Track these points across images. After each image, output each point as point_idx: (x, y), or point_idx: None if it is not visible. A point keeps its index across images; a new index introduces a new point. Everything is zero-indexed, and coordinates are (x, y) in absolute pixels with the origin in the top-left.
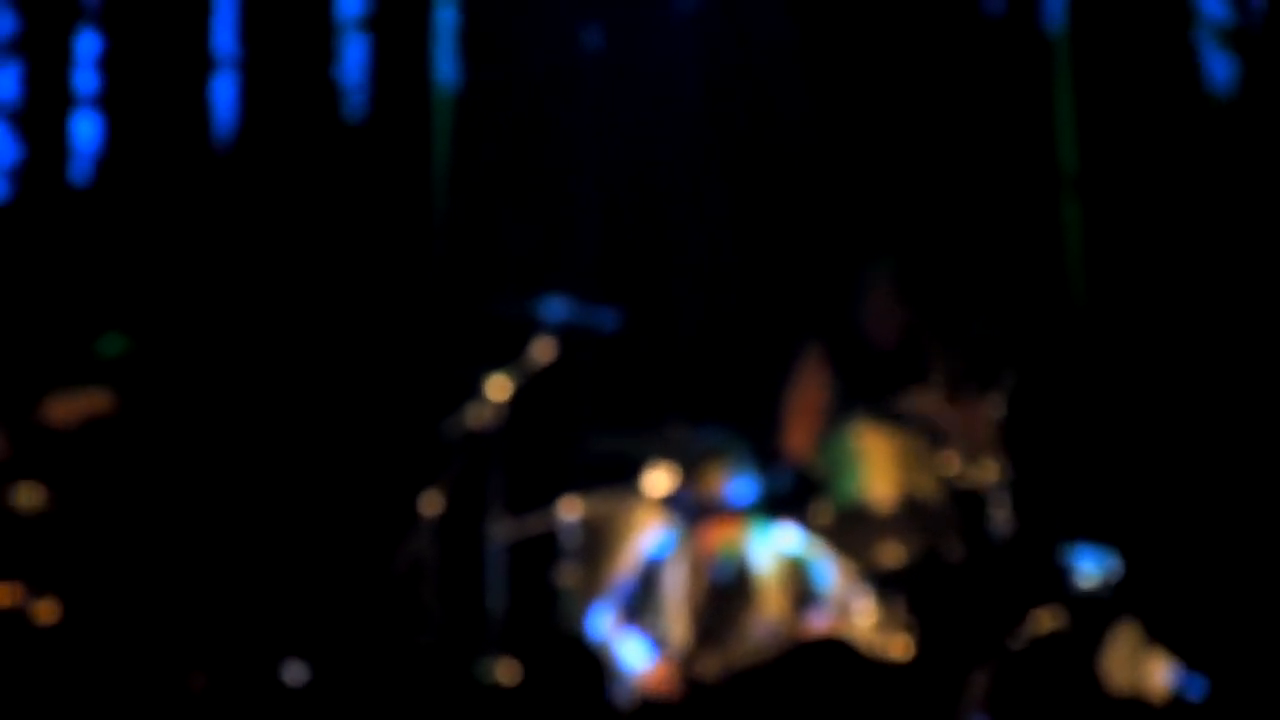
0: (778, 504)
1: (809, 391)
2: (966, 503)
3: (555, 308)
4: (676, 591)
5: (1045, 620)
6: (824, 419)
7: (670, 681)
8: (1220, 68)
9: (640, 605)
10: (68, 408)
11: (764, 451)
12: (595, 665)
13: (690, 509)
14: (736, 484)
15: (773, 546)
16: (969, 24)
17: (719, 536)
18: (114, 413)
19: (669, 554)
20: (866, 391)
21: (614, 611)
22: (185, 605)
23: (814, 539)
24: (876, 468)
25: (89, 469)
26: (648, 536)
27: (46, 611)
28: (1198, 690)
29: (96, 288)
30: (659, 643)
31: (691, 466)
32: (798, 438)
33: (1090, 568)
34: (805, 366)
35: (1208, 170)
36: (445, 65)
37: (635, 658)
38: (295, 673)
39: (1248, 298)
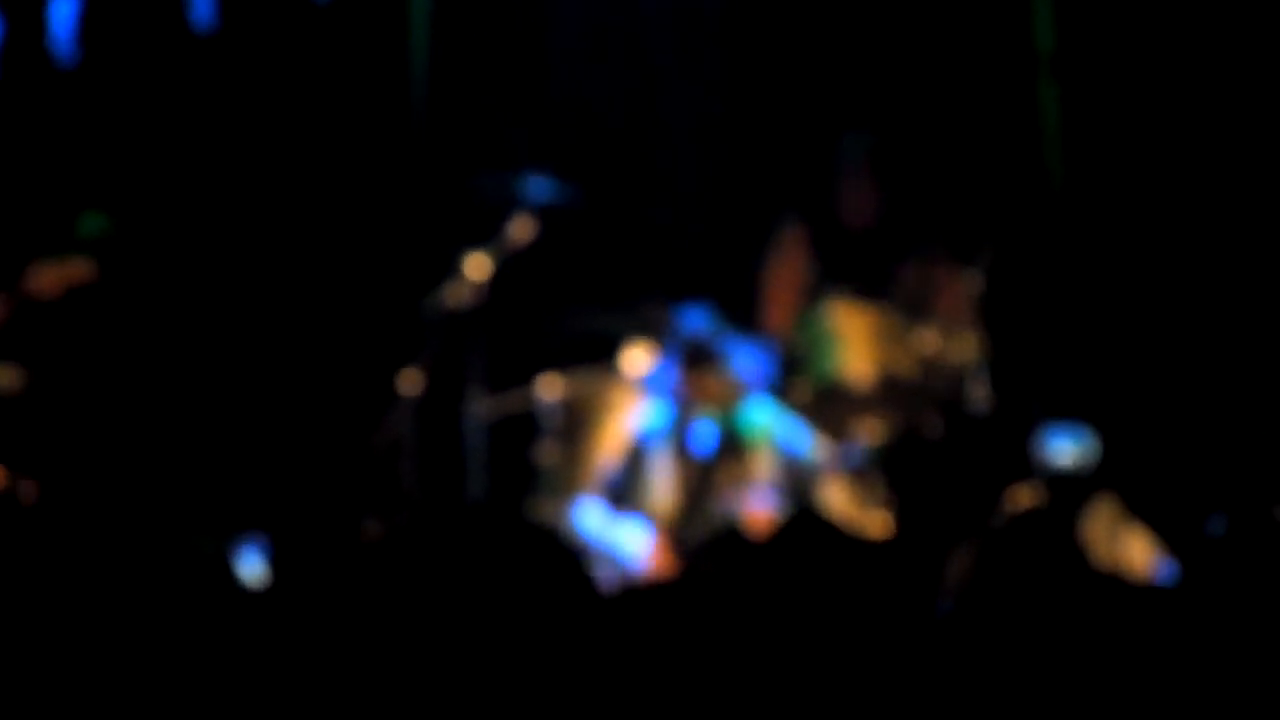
0: (759, 380)
1: (786, 270)
2: (944, 380)
3: (535, 186)
4: (662, 466)
5: (1024, 498)
6: (801, 297)
7: (664, 561)
8: None
9: (629, 489)
10: (49, 277)
11: (742, 326)
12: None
13: (672, 385)
14: (719, 358)
15: (757, 420)
16: None
17: (703, 410)
18: (94, 281)
19: (652, 431)
20: (844, 269)
21: (604, 500)
22: (163, 481)
23: (795, 416)
24: (854, 345)
25: (70, 340)
26: (630, 415)
27: (27, 492)
28: (1176, 567)
29: (77, 167)
30: (649, 520)
31: (674, 342)
32: (776, 316)
33: (1069, 445)
34: (782, 245)
35: (1185, 47)
36: None
37: (628, 541)
38: (263, 556)
39: (1226, 170)
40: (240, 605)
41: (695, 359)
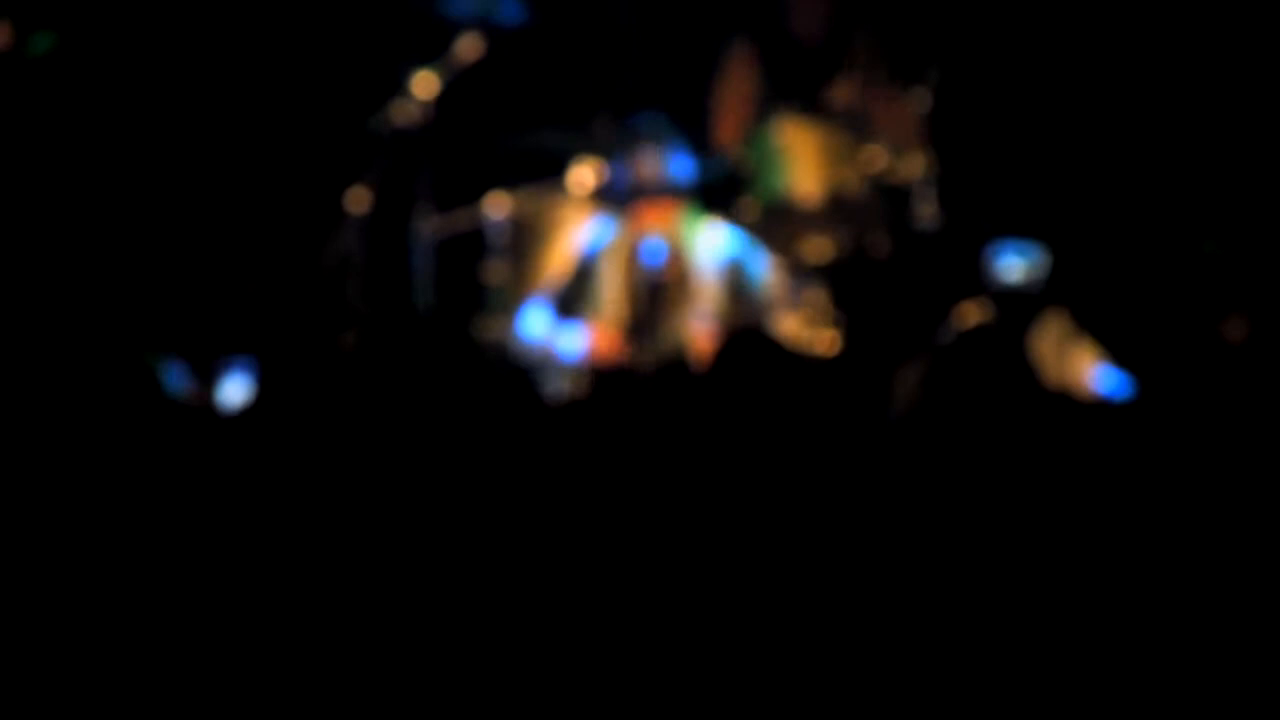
0: (709, 195)
1: (736, 86)
2: (892, 197)
3: (483, 3)
4: (611, 282)
5: (972, 314)
6: (751, 113)
7: (617, 347)
8: None
9: (576, 300)
10: None
11: (693, 144)
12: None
13: (624, 193)
14: (669, 167)
15: (705, 239)
16: None
17: (652, 222)
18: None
19: (603, 245)
20: (792, 86)
21: (550, 308)
22: (113, 296)
23: (744, 233)
24: (802, 163)
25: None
26: (580, 232)
27: None
28: (1123, 383)
29: None
30: (596, 326)
31: (624, 152)
32: (727, 131)
33: (1017, 262)
34: (732, 61)
35: None
36: None
37: (573, 344)
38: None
39: None
40: (176, 418)
41: (645, 171)
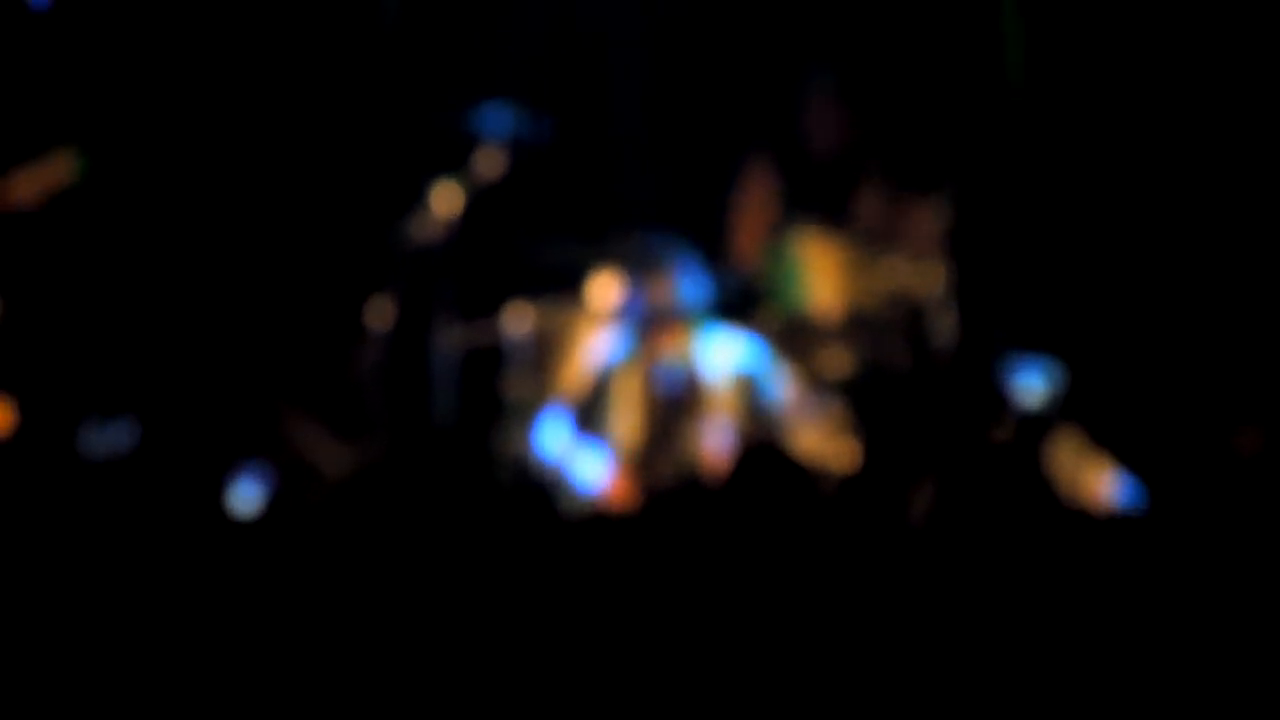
0: (726, 310)
1: (754, 200)
2: (910, 311)
3: (502, 118)
4: (627, 400)
5: (990, 432)
6: (769, 227)
7: (626, 493)
8: None
9: (591, 415)
10: (31, 183)
11: (711, 258)
12: (542, 487)
13: (640, 315)
14: (686, 288)
15: (721, 354)
16: None
17: (669, 341)
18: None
19: (619, 362)
20: (811, 200)
21: (567, 423)
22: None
23: (762, 347)
24: (821, 276)
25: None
26: (598, 345)
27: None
28: (1139, 498)
29: (54, 101)
30: (612, 451)
31: (640, 273)
32: (744, 245)
33: (1035, 380)
34: (750, 175)
35: None
36: None
37: (592, 471)
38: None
39: (1194, 97)
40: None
41: (660, 295)
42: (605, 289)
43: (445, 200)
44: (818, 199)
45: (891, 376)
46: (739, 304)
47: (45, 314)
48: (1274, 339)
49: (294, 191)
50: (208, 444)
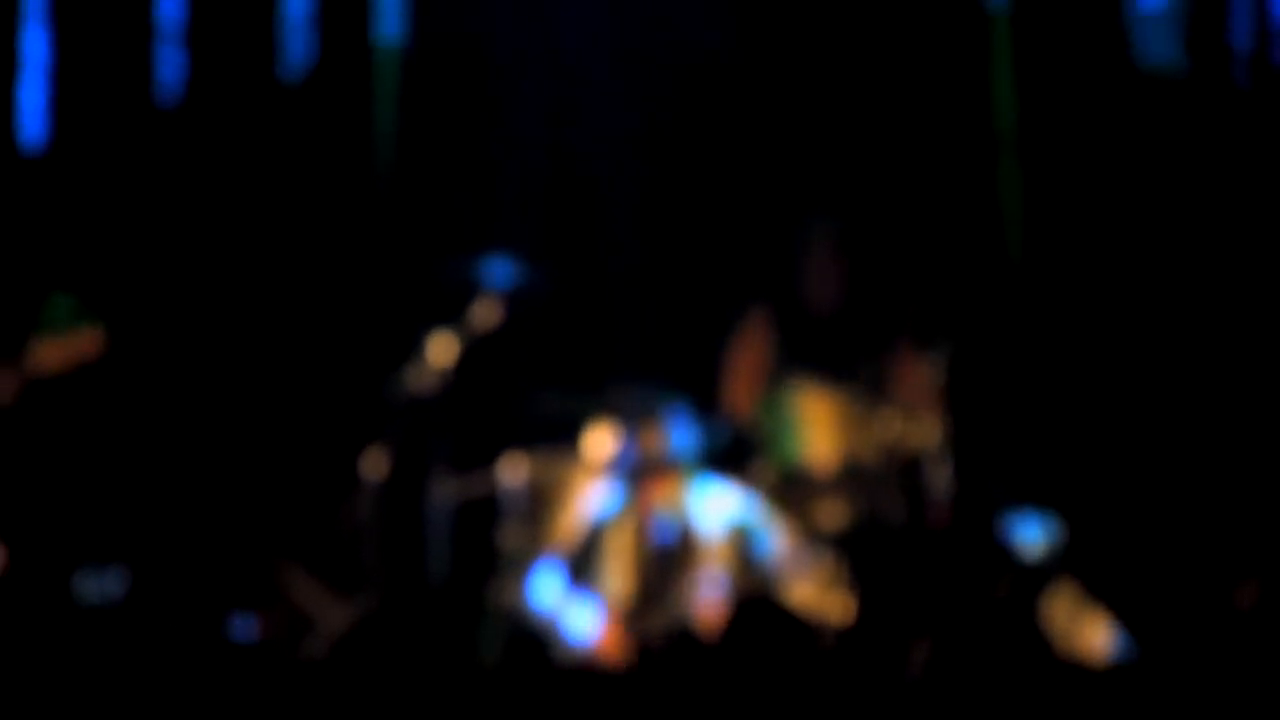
0: (719, 461)
1: (750, 353)
2: (907, 465)
3: (498, 269)
4: (620, 552)
5: (986, 586)
6: (764, 380)
7: (617, 647)
8: (1156, 41)
9: (585, 567)
10: (55, 352)
11: (705, 409)
12: (535, 639)
13: (633, 468)
14: (680, 440)
15: (715, 507)
16: None
17: (662, 493)
18: (103, 354)
19: (613, 514)
20: (807, 352)
21: (560, 575)
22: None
23: (756, 500)
24: (816, 429)
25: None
26: (591, 497)
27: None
28: (1135, 652)
29: (44, 251)
30: (605, 604)
31: (633, 425)
32: (739, 397)
33: (1032, 533)
34: (747, 328)
35: (1142, 137)
36: (389, 21)
37: (583, 624)
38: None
39: (1183, 260)
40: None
41: (654, 447)
42: (600, 440)
43: (441, 351)
44: (814, 351)
45: (887, 530)
46: (733, 456)
47: (42, 460)
48: (1268, 496)
49: (290, 342)
50: (201, 595)
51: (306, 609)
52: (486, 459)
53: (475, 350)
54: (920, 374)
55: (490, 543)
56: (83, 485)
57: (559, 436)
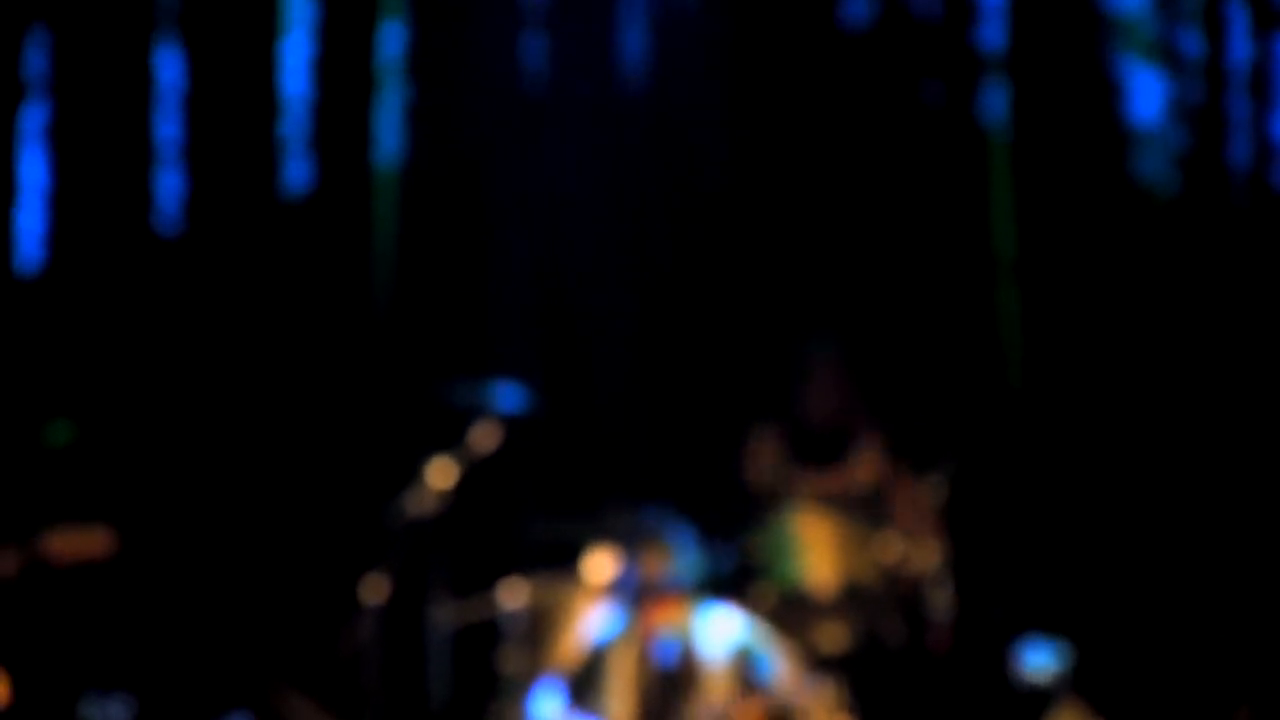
0: (720, 585)
1: (755, 473)
2: (907, 587)
3: (497, 393)
4: (621, 676)
5: (991, 711)
6: (766, 503)
7: None
8: (1153, 163)
9: (586, 691)
10: (66, 545)
11: (705, 533)
12: None
13: (634, 592)
14: (680, 564)
15: (717, 631)
16: (909, 112)
17: (663, 619)
18: (112, 553)
19: (613, 639)
20: (808, 472)
21: (560, 699)
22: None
23: (757, 624)
24: (817, 551)
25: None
26: (592, 621)
27: None
28: None
29: (43, 375)
30: None
31: (634, 549)
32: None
33: (1038, 658)
34: (751, 451)
35: (1140, 259)
36: (388, 141)
37: None
38: None
39: (1182, 381)
40: None
41: (654, 570)
42: (600, 564)
43: (440, 475)
44: (814, 472)
45: (888, 653)
46: (735, 579)
47: (43, 587)
48: (1266, 619)
49: (290, 466)
50: None
51: None
52: (486, 583)
53: (474, 474)
54: (920, 495)
55: (491, 667)
56: (87, 611)
57: (559, 561)
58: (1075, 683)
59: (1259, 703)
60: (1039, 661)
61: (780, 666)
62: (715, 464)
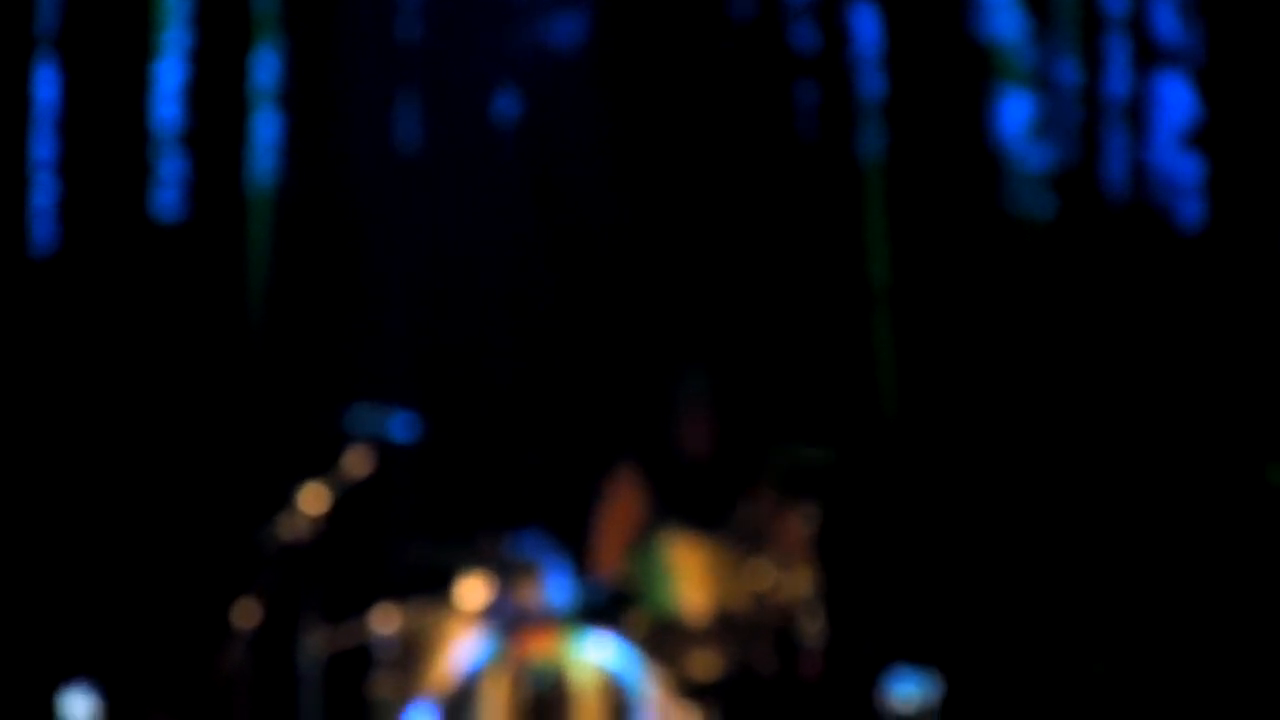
0: (593, 614)
1: (619, 510)
2: (780, 615)
3: (370, 418)
4: (493, 703)
5: None
6: (636, 532)
7: None
8: (1027, 190)
9: (460, 717)
10: None
11: (578, 562)
12: None
13: (507, 619)
14: (552, 593)
15: (589, 657)
16: (782, 143)
17: (536, 646)
18: None
19: (486, 665)
20: (679, 503)
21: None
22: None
23: (630, 650)
24: (689, 579)
25: None
26: (464, 648)
27: None
28: None
29: None
30: None
31: (507, 576)
32: (609, 555)
33: (907, 688)
34: (616, 485)
35: (1017, 288)
36: (262, 167)
37: None
38: None
39: (1057, 408)
40: None
41: (527, 597)
42: (473, 591)
43: (312, 500)
44: (686, 502)
45: (760, 680)
46: (607, 607)
47: None
48: (1146, 649)
49: (161, 489)
50: None
51: None
52: (358, 608)
53: (348, 499)
54: (793, 523)
55: (362, 693)
56: None
57: (432, 587)
58: (943, 713)
59: None
60: (907, 691)
61: (652, 694)
62: (588, 493)
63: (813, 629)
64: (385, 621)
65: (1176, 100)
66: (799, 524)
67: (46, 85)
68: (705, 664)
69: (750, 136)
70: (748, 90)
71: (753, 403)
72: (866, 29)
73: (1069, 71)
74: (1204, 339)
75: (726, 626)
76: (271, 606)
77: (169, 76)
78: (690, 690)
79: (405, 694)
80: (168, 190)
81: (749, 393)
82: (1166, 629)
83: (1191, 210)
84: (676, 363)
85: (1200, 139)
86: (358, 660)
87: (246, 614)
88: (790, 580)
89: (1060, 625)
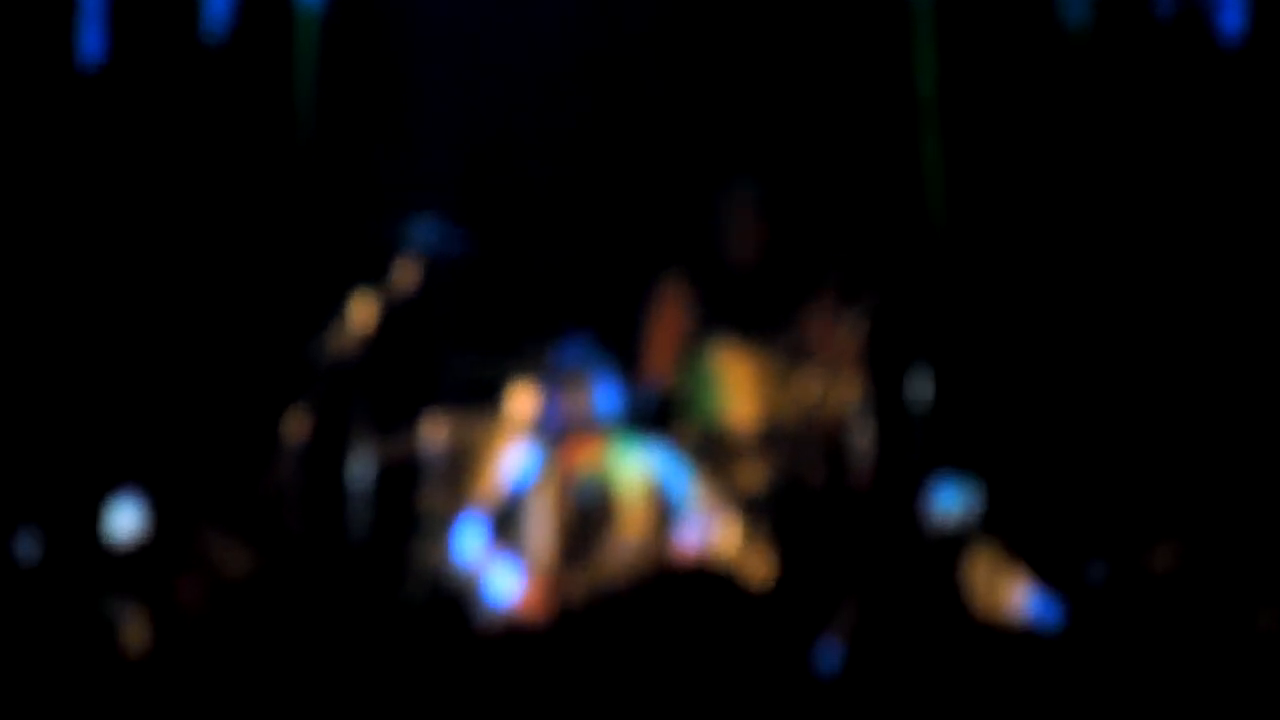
0: (641, 423)
1: (668, 318)
2: (827, 425)
3: (419, 231)
4: (542, 512)
5: (907, 548)
6: (683, 344)
7: (539, 607)
8: (1074, 6)
9: (507, 528)
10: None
11: (626, 370)
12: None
13: (555, 427)
14: (600, 400)
15: (636, 465)
16: None
17: (584, 455)
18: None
19: (534, 474)
20: (727, 312)
21: (481, 535)
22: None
23: (677, 459)
24: (737, 389)
25: None
26: (512, 458)
27: None
28: (1055, 613)
29: None
30: (527, 565)
31: (555, 384)
32: (658, 363)
33: (952, 495)
34: (664, 293)
35: (1063, 97)
36: None
37: (504, 585)
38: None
39: (1106, 216)
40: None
41: (576, 407)
42: (521, 401)
43: (362, 313)
44: (735, 311)
45: (808, 490)
46: (655, 416)
47: None
48: (1188, 457)
49: (211, 304)
50: (126, 559)
51: (227, 573)
52: (407, 421)
53: (396, 312)
54: (841, 334)
55: (411, 504)
56: None
57: (480, 397)
58: (989, 522)
59: (1184, 539)
60: (954, 501)
61: (699, 503)
62: (637, 304)
63: (861, 440)
64: (433, 433)
65: None
66: (847, 334)
67: None
68: (752, 474)
69: None
70: None
71: (800, 213)
72: None
73: None
74: (1243, 152)
75: (774, 437)
76: (321, 419)
77: None
78: (737, 500)
79: (453, 505)
80: (216, 5)
81: (797, 203)
82: (1212, 436)
83: (1233, 22)
84: (725, 172)
85: None
86: (406, 472)
87: (296, 428)
88: (839, 391)
89: (1107, 435)
